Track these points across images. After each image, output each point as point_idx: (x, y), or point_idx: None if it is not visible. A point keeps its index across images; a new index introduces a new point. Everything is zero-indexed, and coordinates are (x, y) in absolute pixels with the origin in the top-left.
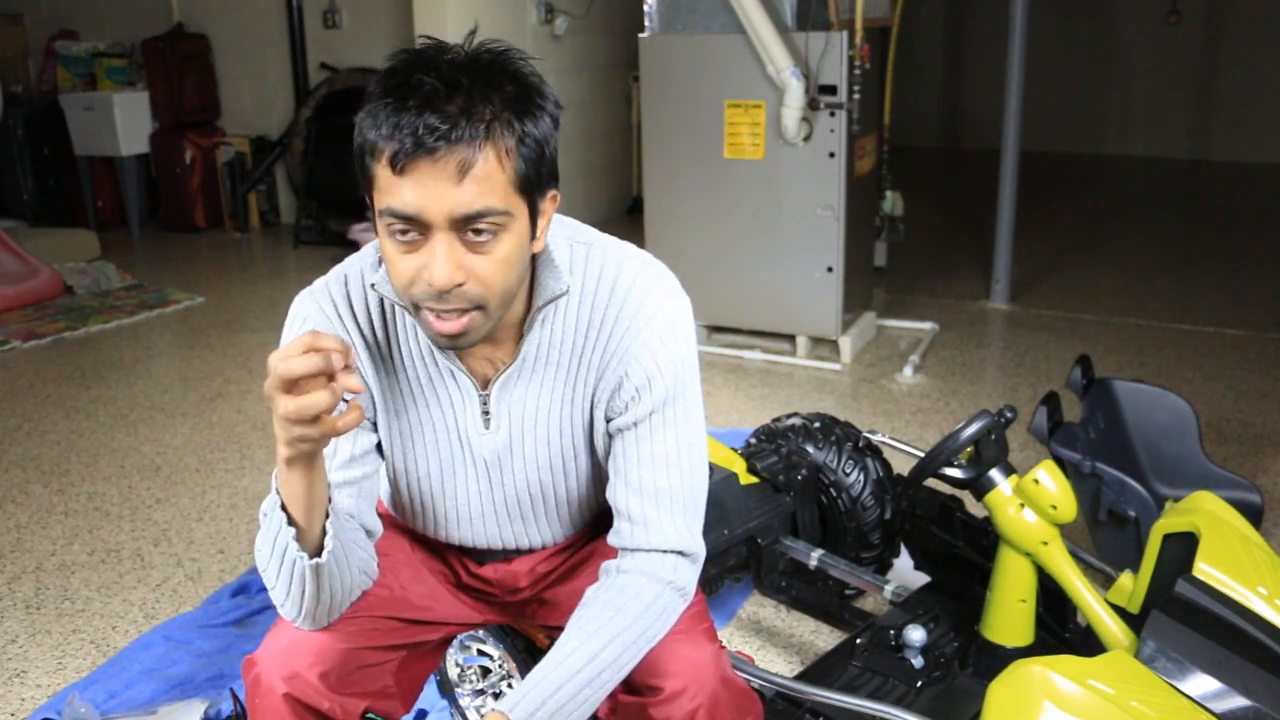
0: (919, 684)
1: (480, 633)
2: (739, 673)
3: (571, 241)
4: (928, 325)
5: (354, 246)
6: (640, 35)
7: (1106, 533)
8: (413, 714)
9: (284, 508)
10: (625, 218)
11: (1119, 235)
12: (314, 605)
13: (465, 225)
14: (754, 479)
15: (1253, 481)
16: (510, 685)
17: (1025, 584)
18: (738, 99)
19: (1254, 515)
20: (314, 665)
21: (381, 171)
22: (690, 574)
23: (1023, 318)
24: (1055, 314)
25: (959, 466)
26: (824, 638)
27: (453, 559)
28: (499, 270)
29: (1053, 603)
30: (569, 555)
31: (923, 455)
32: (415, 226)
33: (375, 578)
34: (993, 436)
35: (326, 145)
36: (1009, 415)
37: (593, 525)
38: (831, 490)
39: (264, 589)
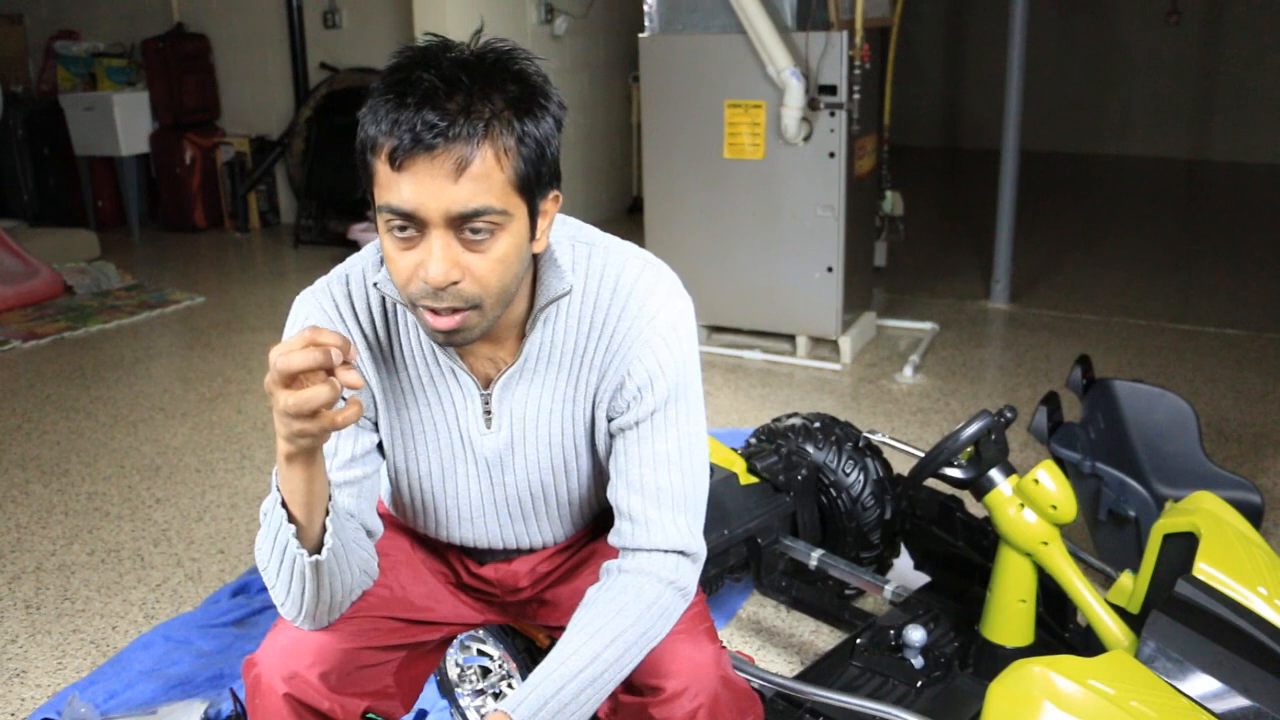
0: (919, 684)
1: (480, 633)
2: (739, 673)
3: (574, 241)
4: (928, 325)
5: (354, 246)
6: (640, 35)
7: (1106, 533)
8: (413, 714)
9: (284, 505)
10: (625, 218)
11: (1119, 235)
12: (314, 604)
13: (462, 223)
14: (754, 479)
15: (1253, 481)
16: (510, 685)
17: (1025, 584)
18: (738, 99)
19: (1254, 515)
20: (314, 665)
21: (381, 167)
22: (691, 574)
23: (1023, 318)
24: (1055, 314)
25: (959, 466)
26: (824, 638)
27: (453, 559)
28: (495, 270)
29: (1053, 603)
30: (570, 555)
31: (923, 455)
32: (412, 223)
33: (376, 577)
34: (993, 436)
35: (326, 145)
36: (1009, 415)
37: (594, 525)
38: (831, 490)
39: (264, 589)
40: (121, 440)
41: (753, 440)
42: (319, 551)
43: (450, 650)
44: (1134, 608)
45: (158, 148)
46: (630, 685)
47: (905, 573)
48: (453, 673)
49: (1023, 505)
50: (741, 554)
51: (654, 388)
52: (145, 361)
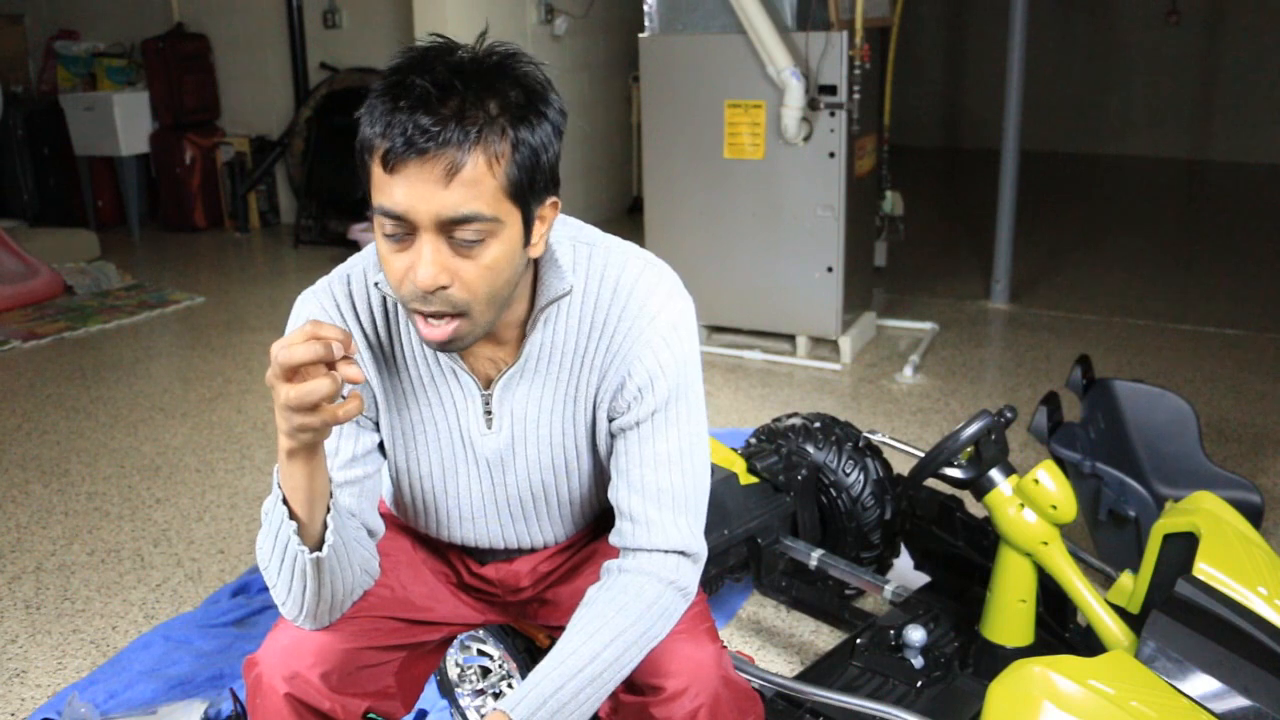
0: (919, 684)
1: (480, 633)
2: (739, 673)
3: (574, 242)
4: (928, 325)
5: (354, 247)
6: (640, 35)
7: (1106, 533)
8: (413, 714)
9: (285, 502)
10: (625, 218)
11: (1119, 235)
12: (315, 603)
13: (452, 228)
14: (754, 479)
15: (1253, 481)
16: (510, 685)
17: (1025, 584)
18: (738, 99)
19: (1254, 515)
20: (315, 665)
21: (375, 169)
22: (692, 574)
23: (1023, 318)
24: (1055, 314)
25: (959, 466)
26: (824, 638)
27: (454, 559)
28: (484, 276)
29: (1053, 603)
30: (570, 555)
31: (923, 455)
32: (404, 226)
33: (377, 577)
34: (993, 436)
35: (326, 145)
36: (1009, 415)
37: (594, 525)
38: (831, 490)
39: (264, 589)
40: (121, 440)
41: (753, 440)
42: (320, 549)
43: (450, 650)
44: (1134, 608)
45: (158, 148)
46: (631, 684)
47: (905, 573)
48: (453, 673)
49: (1023, 505)
50: (742, 554)
51: (655, 388)
52: (145, 361)
